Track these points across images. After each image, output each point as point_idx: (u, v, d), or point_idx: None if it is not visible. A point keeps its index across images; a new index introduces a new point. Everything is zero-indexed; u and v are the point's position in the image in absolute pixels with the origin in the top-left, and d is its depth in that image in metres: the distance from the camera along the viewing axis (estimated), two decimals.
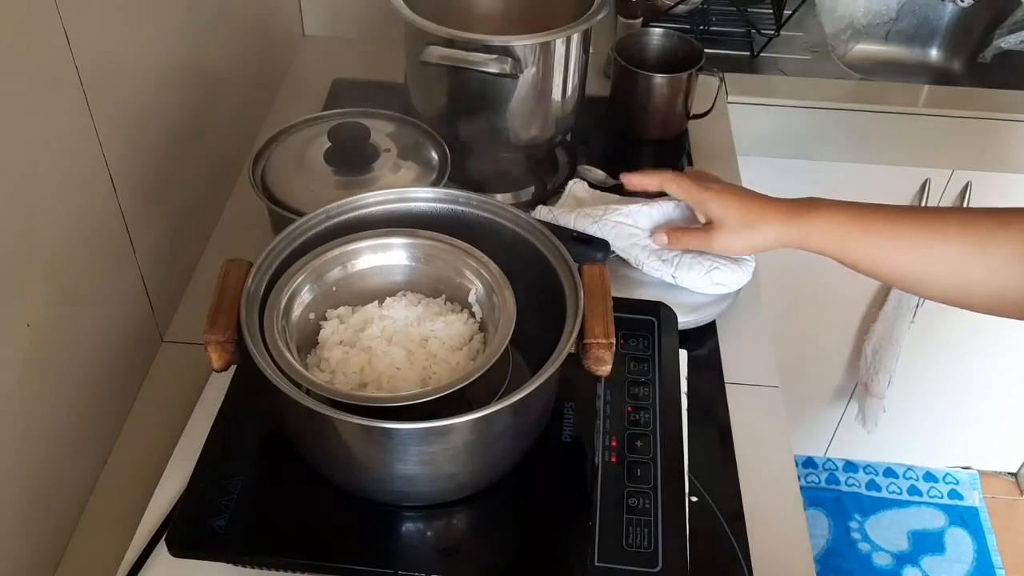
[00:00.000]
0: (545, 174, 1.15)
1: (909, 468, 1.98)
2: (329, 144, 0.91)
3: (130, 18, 0.83)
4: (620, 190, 1.12)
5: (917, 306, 1.61)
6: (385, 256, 0.73)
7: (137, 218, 0.86)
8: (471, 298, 0.72)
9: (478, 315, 0.72)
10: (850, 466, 1.97)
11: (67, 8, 0.70)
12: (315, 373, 0.68)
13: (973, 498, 1.93)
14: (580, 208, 1.01)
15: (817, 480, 1.93)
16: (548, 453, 0.72)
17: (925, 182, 1.45)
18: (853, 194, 1.47)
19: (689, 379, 0.88)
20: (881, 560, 1.83)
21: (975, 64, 1.69)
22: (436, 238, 0.73)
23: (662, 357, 0.81)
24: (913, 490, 1.95)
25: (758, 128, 1.38)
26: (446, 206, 0.76)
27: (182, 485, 0.73)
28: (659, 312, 0.84)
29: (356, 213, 0.75)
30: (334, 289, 0.72)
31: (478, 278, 0.71)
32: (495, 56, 0.94)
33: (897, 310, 1.62)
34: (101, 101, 0.76)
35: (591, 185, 1.11)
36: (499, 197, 1.12)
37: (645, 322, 0.83)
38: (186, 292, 1.00)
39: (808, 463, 1.95)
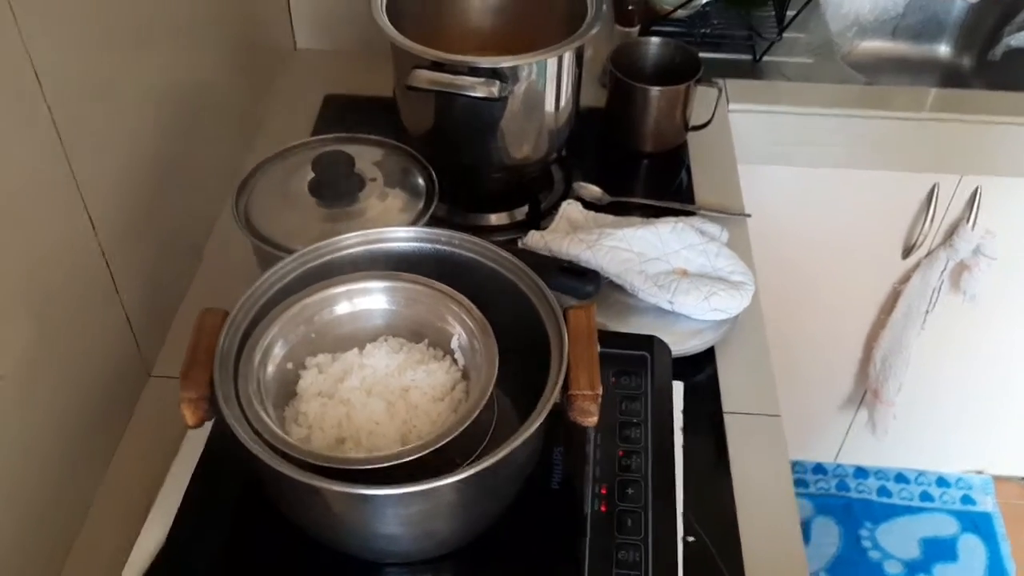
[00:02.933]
0: (540, 191, 1.13)
1: (921, 473, 1.95)
2: (313, 175, 0.88)
3: (110, 40, 0.80)
4: (617, 208, 1.10)
5: (927, 312, 1.57)
6: (364, 301, 0.71)
7: (118, 252, 0.83)
8: (453, 344, 0.70)
9: (460, 362, 0.69)
10: (860, 472, 1.94)
11: (31, 31, 0.66)
12: (292, 428, 0.66)
13: (986, 503, 1.89)
14: (574, 233, 0.99)
15: (827, 487, 1.91)
16: (535, 500, 0.70)
17: (933, 187, 1.41)
18: (859, 202, 1.46)
19: (686, 409, 0.86)
20: (892, 569, 1.80)
21: (984, 62, 1.65)
22: (417, 281, 0.71)
23: (655, 395, 0.78)
24: (925, 496, 1.92)
25: (760, 136, 1.35)
26: (428, 245, 0.73)
27: (163, 534, 0.71)
28: (652, 346, 0.82)
29: (333, 256, 0.72)
30: (312, 336, 0.70)
31: (460, 323, 0.69)
32: (483, 79, 0.92)
33: (907, 316, 1.58)
34: (74, 128, 0.73)
35: (585, 205, 1.08)
36: (492, 218, 1.10)
37: (637, 358, 0.81)
38: (173, 323, 0.98)
39: (818, 469, 1.93)
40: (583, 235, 0.97)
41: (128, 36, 0.84)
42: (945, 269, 1.51)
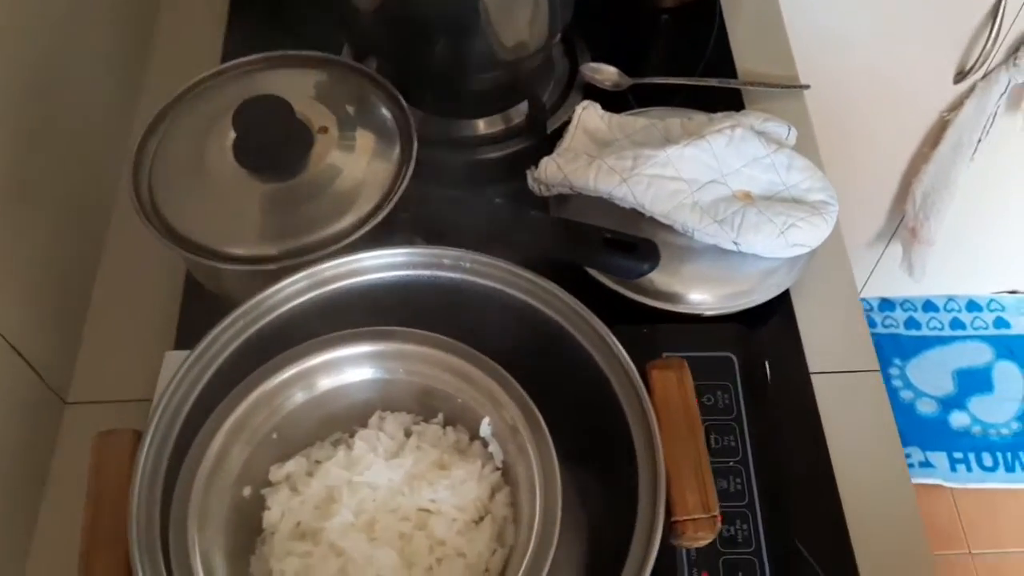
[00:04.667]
0: (539, 83, 0.86)
1: (950, 299, 1.80)
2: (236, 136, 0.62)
3: None
4: (641, 94, 0.84)
5: (979, 140, 1.36)
6: (340, 377, 0.48)
7: None
8: (483, 431, 0.47)
9: (497, 455, 0.48)
10: (886, 304, 1.78)
11: None
12: None
13: (1021, 325, 1.76)
14: (600, 155, 0.74)
15: None
16: None
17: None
18: (906, 24, 1.21)
19: (760, 377, 0.65)
20: (925, 408, 1.69)
21: None
22: (416, 339, 0.47)
23: (752, 417, 0.57)
24: (956, 323, 1.78)
25: None
26: (424, 274, 0.49)
27: None
28: (740, 342, 0.60)
29: (284, 309, 0.48)
30: (274, 437, 0.48)
31: (488, 399, 0.47)
32: None
33: (956, 149, 1.38)
34: None
35: (599, 94, 0.83)
36: (481, 124, 0.83)
37: (720, 364, 0.59)
38: (84, 333, 0.74)
39: None
40: (614, 159, 0.72)
41: None
42: (1005, 92, 1.30)
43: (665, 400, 0.44)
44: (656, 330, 0.62)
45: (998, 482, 1.65)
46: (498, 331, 0.48)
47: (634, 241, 0.61)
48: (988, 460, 1.67)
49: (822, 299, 0.75)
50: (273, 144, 0.62)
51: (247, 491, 0.47)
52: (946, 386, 1.72)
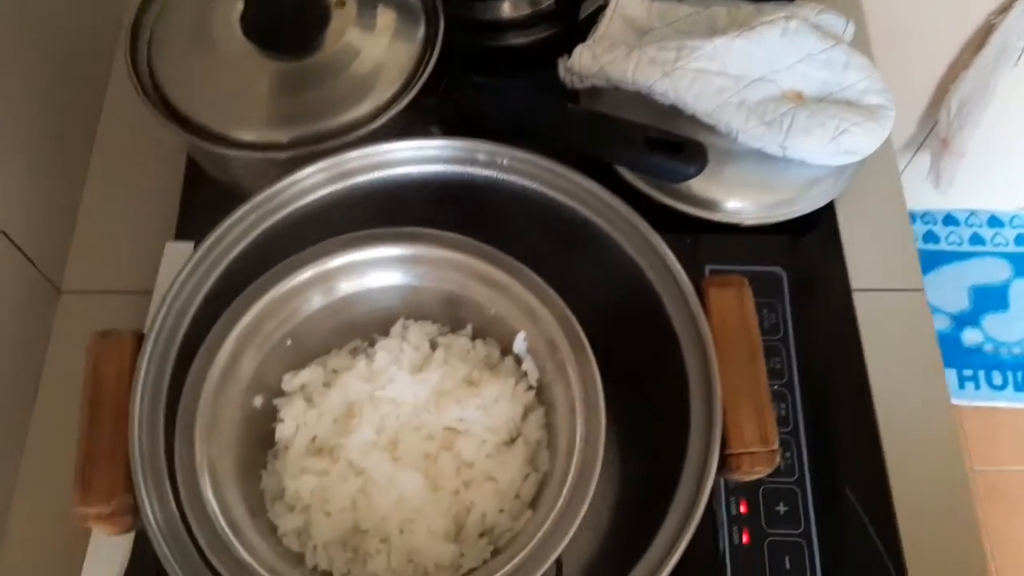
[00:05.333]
0: None
1: (972, 213, 1.75)
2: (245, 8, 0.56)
3: None
4: None
5: None
6: (362, 280, 0.43)
7: None
8: (517, 347, 0.43)
9: (532, 374, 0.43)
10: None
11: None
12: (276, 513, 0.41)
13: None
14: (640, 45, 0.67)
15: None
16: None
17: None
18: None
19: (798, 288, 0.61)
20: (939, 324, 1.65)
21: None
22: (445, 243, 0.43)
23: (800, 338, 0.53)
24: (975, 239, 1.73)
25: None
26: (456, 169, 0.44)
27: None
28: (790, 256, 0.55)
29: (301, 203, 0.43)
30: (288, 344, 0.43)
31: (525, 314, 0.42)
32: None
33: (1000, 54, 1.30)
34: None
35: None
36: (505, 7, 0.77)
37: (767, 279, 0.55)
38: (78, 220, 0.70)
39: None
40: (655, 50, 0.66)
41: None
42: None
43: (723, 322, 0.40)
44: (699, 240, 0.57)
45: (1006, 401, 1.64)
46: (536, 237, 0.43)
47: (680, 141, 0.56)
48: (998, 379, 1.65)
49: (869, 212, 0.70)
50: (285, 17, 0.56)
51: (258, 401, 0.43)
52: (961, 303, 1.69)
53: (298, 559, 0.40)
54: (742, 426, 0.38)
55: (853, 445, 0.54)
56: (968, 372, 1.64)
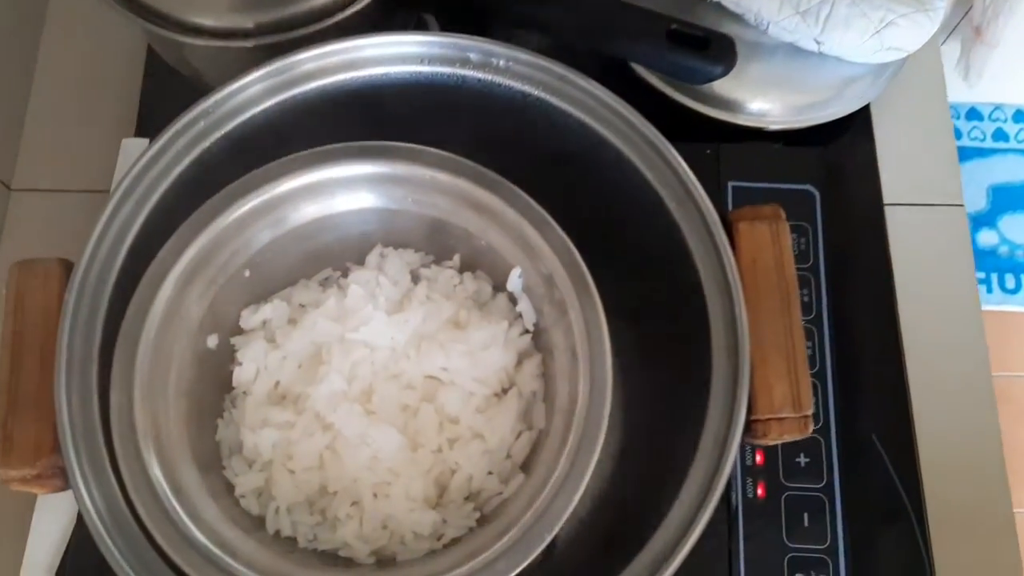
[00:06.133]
0: None
1: (997, 107, 1.66)
2: None
3: None
4: None
5: None
6: (331, 203, 0.37)
7: None
8: (512, 284, 0.37)
9: (528, 317, 0.38)
10: None
11: None
12: (233, 469, 0.36)
13: None
14: None
15: None
16: None
17: None
18: None
19: (831, 209, 0.55)
20: None
21: None
22: (431, 160, 0.36)
23: (832, 271, 0.47)
24: (999, 134, 1.65)
25: None
26: (444, 71, 0.37)
27: None
28: (823, 172, 0.49)
29: (264, 106, 0.37)
30: (246, 275, 0.37)
31: (521, 247, 0.36)
32: None
33: None
34: None
35: None
36: None
37: (797, 198, 0.48)
38: (27, 115, 0.63)
39: None
40: None
41: None
42: None
43: (754, 262, 0.34)
44: (720, 152, 0.51)
45: (1018, 305, 1.59)
46: (537, 156, 0.36)
47: (706, 35, 0.48)
48: (1011, 282, 1.60)
49: (908, 117, 0.63)
50: None
51: (212, 341, 0.37)
52: (978, 202, 1.62)
53: (257, 523, 0.35)
54: (772, 386, 0.33)
55: (879, 390, 0.49)
56: (980, 275, 1.59)
